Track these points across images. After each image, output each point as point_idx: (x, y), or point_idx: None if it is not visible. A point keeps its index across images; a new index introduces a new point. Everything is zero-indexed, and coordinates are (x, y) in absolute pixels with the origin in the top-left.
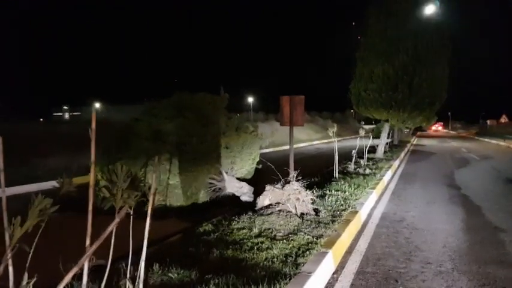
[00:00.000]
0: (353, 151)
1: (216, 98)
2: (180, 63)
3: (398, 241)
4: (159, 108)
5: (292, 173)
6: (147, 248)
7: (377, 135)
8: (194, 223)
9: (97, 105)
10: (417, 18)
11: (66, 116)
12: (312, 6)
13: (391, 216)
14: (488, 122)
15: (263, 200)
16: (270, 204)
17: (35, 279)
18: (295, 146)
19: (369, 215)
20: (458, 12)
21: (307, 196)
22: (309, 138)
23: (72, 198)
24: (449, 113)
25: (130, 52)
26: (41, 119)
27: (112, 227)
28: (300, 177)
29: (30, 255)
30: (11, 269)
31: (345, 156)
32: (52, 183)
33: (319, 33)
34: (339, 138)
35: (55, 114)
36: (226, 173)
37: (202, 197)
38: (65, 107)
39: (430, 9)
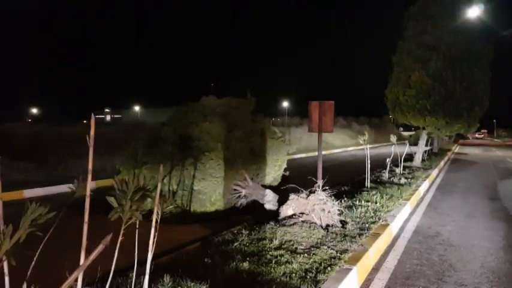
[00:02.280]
0: (387, 159)
1: (242, 102)
2: (220, 67)
3: (431, 258)
4: (185, 112)
5: (319, 182)
6: (162, 256)
7: (415, 143)
8: (215, 231)
9: (136, 108)
10: (455, 21)
11: (108, 118)
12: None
13: (425, 231)
14: None
15: (286, 210)
16: (294, 215)
17: None
18: (329, 152)
19: (401, 229)
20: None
21: (334, 207)
22: (343, 144)
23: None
24: (494, 121)
25: (172, 56)
26: (84, 121)
27: (95, 254)
28: (328, 186)
29: (33, 264)
30: (7, 279)
31: (380, 164)
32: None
33: (362, 35)
34: (376, 145)
35: (97, 116)
36: (252, 179)
37: (226, 203)
38: (107, 110)
39: (474, 12)
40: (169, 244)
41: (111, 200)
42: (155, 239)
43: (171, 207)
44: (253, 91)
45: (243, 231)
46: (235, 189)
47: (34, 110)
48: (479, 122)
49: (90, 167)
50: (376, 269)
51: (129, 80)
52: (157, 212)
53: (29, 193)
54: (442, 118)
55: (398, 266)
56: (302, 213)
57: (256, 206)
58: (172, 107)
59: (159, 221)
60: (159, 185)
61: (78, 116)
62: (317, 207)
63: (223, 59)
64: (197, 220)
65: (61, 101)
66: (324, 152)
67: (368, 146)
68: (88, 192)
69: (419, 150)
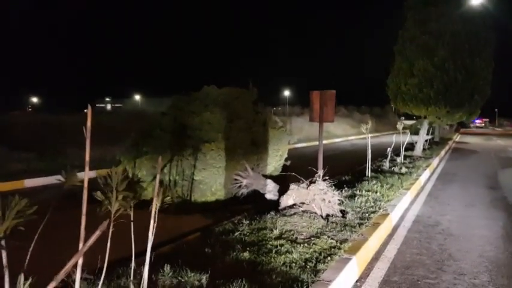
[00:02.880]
0: (388, 149)
1: (244, 92)
2: (221, 56)
3: (430, 248)
4: (186, 102)
5: (319, 172)
6: (162, 246)
7: (415, 132)
8: (215, 220)
9: (137, 97)
10: (458, 8)
11: (108, 107)
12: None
13: (425, 220)
14: None
15: (287, 200)
16: (294, 204)
17: (30, 280)
18: (330, 141)
19: (401, 218)
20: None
21: (334, 197)
22: (344, 134)
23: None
24: (495, 110)
25: (173, 45)
26: (85, 111)
27: (93, 239)
28: (328, 176)
29: (28, 256)
30: (6, 273)
31: (381, 153)
32: (81, 175)
33: (363, 24)
34: (377, 134)
35: (98, 105)
36: (252, 169)
37: (227, 193)
38: (107, 99)
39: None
40: (169, 234)
41: (97, 194)
42: (154, 229)
43: (168, 198)
44: (254, 80)
45: (244, 221)
46: (235, 179)
47: (34, 99)
48: (480, 111)
49: (87, 158)
50: (375, 258)
51: (130, 69)
52: (156, 202)
53: (30, 183)
54: (443, 107)
55: (398, 255)
56: (302, 203)
57: (256, 196)
58: (172, 96)
59: (157, 211)
60: (158, 175)
61: (78, 106)
62: (317, 197)
63: (225, 48)
64: (198, 210)
65: (61, 90)
66: (324, 142)
67: (369, 135)
68: (86, 184)
69: (420, 140)
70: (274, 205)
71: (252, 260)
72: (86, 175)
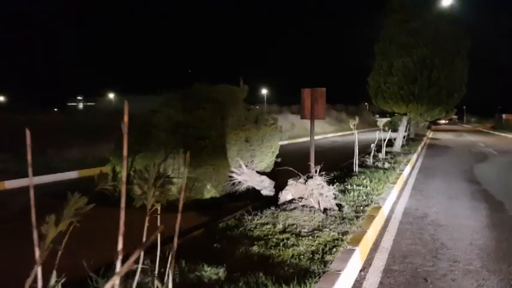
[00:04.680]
0: (372, 145)
1: (236, 89)
2: (192, 53)
3: (423, 238)
4: (177, 99)
5: (315, 168)
6: (168, 243)
7: (392, 129)
8: (214, 217)
9: (111, 95)
10: (437, 9)
11: (81, 106)
12: None
13: (414, 212)
14: (504, 116)
15: (286, 195)
16: (293, 199)
17: (63, 279)
18: (309, 139)
19: (391, 211)
20: (476, 7)
21: (330, 191)
22: (323, 131)
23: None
24: (463, 107)
25: (142, 42)
26: (55, 109)
27: (158, 232)
28: (322, 172)
29: (60, 253)
30: (39, 270)
31: (362, 150)
32: (69, 175)
33: (336, 24)
34: (353, 132)
35: (69, 104)
36: (246, 166)
37: (222, 190)
38: (79, 97)
39: (446, 1)
40: (171, 231)
41: (135, 188)
42: (178, 224)
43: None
44: (231, 79)
45: (246, 217)
46: (230, 177)
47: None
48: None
49: (125, 153)
50: (374, 249)
51: (102, 67)
52: (183, 198)
53: (11, 184)
54: (425, 104)
55: (394, 245)
56: (301, 198)
57: (251, 193)
58: (149, 94)
59: (181, 207)
60: (186, 171)
61: (48, 104)
62: (315, 191)
63: (199, 45)
64: (194, 207)
65: (29, 88)
66: (304, 139)
67: (347, 132)
68: (125, 178)
69: (400, 136)
70: (271, 201)
71: (261, 253)
72: (125, 167)
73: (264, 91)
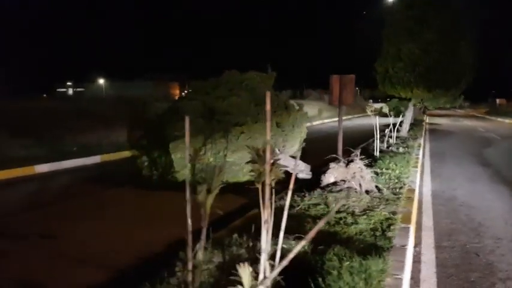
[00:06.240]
0: (386, 130)
1: (266, 76)
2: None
3: (460, 218)
4: (210, 87)
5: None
6: (232, 221)
7: (394, 114)
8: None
9: (101, 81)
10: None
11: (70, 92)
12: None
13: (441, 194)
14: (498, 100)
15: (328, 178)
16: (336, 182)
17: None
18: (308, 124)
19: (420, 193)
20: None
21: (368, 174)
22: (319, 117)
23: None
24: None
25: (128, 27)
26: (44, 95)
27: (338, 205)
28: (348, 157)
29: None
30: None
31: (366, 134)
32: (92, 159)
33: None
34: (349, 117)
35: (58, 90)
36: (279, 150)
37: None
38: (69, 83)
39: None
40: (216, 213)
41: (255, 166)
42: (288, 199)
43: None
44: (226, 66)
45: (295, 198)
46: None
47: None
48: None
49: (268, 137)
50: (418, 228)
51: (91, 52)
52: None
53: (40, 168)
54: (428, 91)
55: (435, 224)
56: (343, 181)
57: (286, 177)
58: (134, 80)
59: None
60: (299, 153)
61: (35, 90)
62: (357, 174)
63: (188, 32)
64: (231, 190)
65: (17, 74)
66: (307, 124)
67: (343, 118)
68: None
69: (406, 121)
70: (311, 184)
71: (327, 230)
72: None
73: None
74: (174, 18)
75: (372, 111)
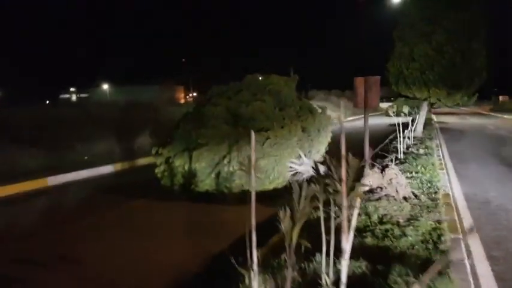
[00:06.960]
0: (406, 131)
1: (289, 79)
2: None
3: (501, 223)
4: (233, 91)
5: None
6: (270, 237)
7: (397, 113)
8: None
9: (105, 86)
10: None
11: (74, 98)
12: None
13: (474, 198)
14: (501, 98)
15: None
16: (372, 189)
17: None
18: None
19: (453, 197)
20: None
21: (404, 180)
22: None
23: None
24: None
25: (132, 32)
26: (47, 102)
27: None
28: (376, 160)
29: None
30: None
31: (378, 135)
32: (105, 169)
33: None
34: (356, 117)
35: (62, 96)
36: (305, 156)
37: (284, 181)
38: (72, 89)
39: None
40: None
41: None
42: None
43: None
44: (230, 69)
45: (330, 207)
46: (290, 167)
47: None
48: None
49: (342, 139)
50: (464, 236)
51: (94, 57)
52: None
53: (53, 180)
54: (444, 90)
55: (479, 231)
56: (379, 188)
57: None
58: (139, 85)
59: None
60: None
61: (39, 97)
62: (394, 181)
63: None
64: (259, 199)
65: (16, 81)
66: None
67: (350, 118)
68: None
69: (421, 121)
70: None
71: (376, 245)
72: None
73: None
74: (177, 21)
75: (393, 112)
